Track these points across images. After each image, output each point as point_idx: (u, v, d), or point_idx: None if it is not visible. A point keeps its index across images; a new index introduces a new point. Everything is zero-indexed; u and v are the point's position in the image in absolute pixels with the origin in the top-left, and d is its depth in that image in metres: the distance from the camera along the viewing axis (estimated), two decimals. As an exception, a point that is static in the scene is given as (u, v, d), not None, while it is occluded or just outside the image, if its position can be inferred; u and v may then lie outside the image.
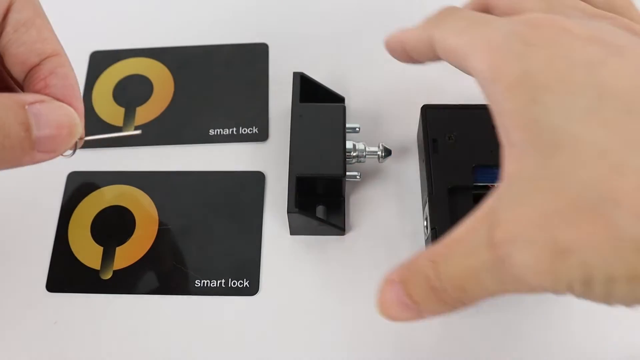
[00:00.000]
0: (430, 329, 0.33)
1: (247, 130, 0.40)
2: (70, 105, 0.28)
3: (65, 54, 0.29)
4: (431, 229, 0.31)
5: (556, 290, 0.22)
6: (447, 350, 0.33)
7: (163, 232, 0.37)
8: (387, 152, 0.37)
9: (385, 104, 0.41)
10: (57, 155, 0.27)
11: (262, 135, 0.40)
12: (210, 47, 0.44)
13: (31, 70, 0.28)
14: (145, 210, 0.38)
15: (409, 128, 0.39)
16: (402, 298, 0.26)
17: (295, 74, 0.38)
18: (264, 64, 0.43)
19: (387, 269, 0.35)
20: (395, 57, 0.32)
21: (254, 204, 0.38)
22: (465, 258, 0.24)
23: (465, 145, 0.34)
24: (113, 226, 0.37)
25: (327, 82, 0.39)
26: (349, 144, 0.36)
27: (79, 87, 0.29)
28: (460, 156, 0.33)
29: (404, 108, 0.40)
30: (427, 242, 0.34)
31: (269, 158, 0.39)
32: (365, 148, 0.37)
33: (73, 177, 0.39)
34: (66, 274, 0.36)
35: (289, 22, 0.45)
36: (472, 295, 0.24)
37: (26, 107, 0.26)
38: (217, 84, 0.42)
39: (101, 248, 0.36)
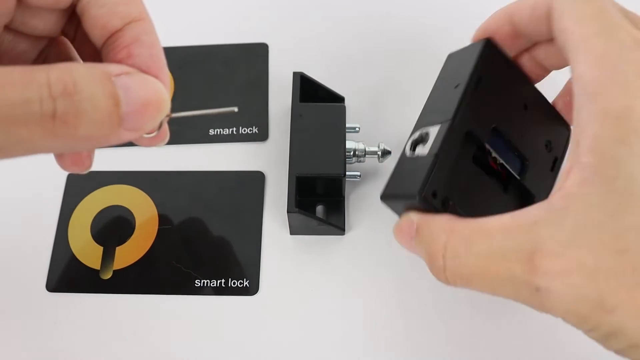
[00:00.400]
0: (431, 329, 0.33)
1: (247, 130, 0.40)
2: (156, 78, 0.24)
3: (151, 20, 0.26)
4: (434, 156, 0.28)
5: (574, 326, 0.22)
6: (448, 350, 0.33)
7: (163, 232, 0.37)
8: (387, 152, 0.37)
9: (385, 104, 0.41)
10: (142, 134, 0.24)
11: (262, 135, 0.40)
12: (210, 47, 0.44)
13: (112, 36, 0.25)
14: (145, 210, 0.38)
15: (408, 128, 0.39)
16: (411, 241, 0.27)
17: (295, 74, 0.38)
18: (264, 64, 0.43)
19: (386, 269, 0.35)
20: (496, 36, 0.30)
21: (254, 204, 0.38)
22: (489, 257, 0.23)
23: (501, 105, 0.31)
24: (113, 226, 0.37)
25: (327, 82, 0.39)
26: (349, 144, 0.36)
27: (164, 58, 0.26)
28: (489, 111, 0.30)
29: (404, 108, 0.40)
30: (403, 156, 0.31)
31: (269, 158, 0.39)
32: (365, 148, 0.37)
33: (73, 177, 0.39)
34: (66, 274, 0.36)
35: (289, 22, 0.45)
36: (471, 287, 0.24)
37: (112, 78, 0.22)
38: (217, 84, 0.42)
39: (101, 248, 0.36)
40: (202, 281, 0.35)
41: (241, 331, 0.34)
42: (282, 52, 0.43)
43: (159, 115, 0.24)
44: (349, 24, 0.44)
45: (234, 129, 0.40)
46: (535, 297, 0.22)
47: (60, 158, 0.28)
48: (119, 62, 0.24)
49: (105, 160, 0.39)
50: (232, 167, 0.39)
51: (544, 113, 0.33)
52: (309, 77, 0.38)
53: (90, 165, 0.29)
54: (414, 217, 0.28)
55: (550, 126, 0.34)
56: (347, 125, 0.37)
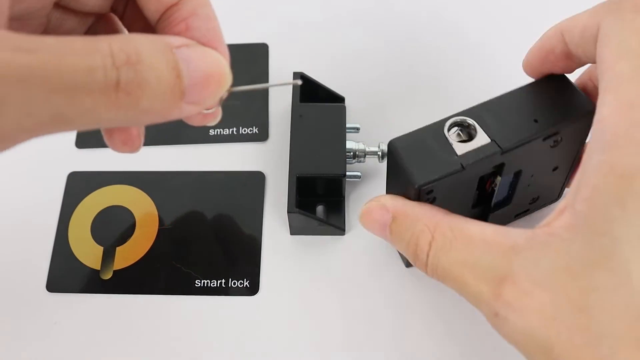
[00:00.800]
0: (431, 328, 0.33)
1: (247, 130, 0.40)
2: (215, 51, 0.24)
3: None
4: (461, 166, 0.27)
5: (521, 354, 0.23)
6: (449, 350, 0.33)
7: (163, 232, 0.37)
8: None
9: (385, 104, 0.41)
10: (202, 109, 0.23)
11: (262, 135, 0.40)
12: (210, 47, 0.44)
13: (168, 10, 0.24)
14: (145, 210, 0.38)
15: (409, 128, 0.39)
16: (384, 228, 0.27)
17: (295, 74, 0.38)
18: (264, 64, 0.43)
19: (386, 269, 0.35)
20: (550, 56, 0.28)
21: (254, 204, 0.38)
22: (463, 266, 0.24)
23: (543, 159, 0.30)
24: (113, 226, 0.37)
25: (327, 82, 0.39)
26: (349, 144, 0.36)
27: (221, 31, 0.25)
28: (532, 158, 0.29)
29: (404, 108, 0.40)
30: (440, 125, 0.28)
31: (269, 158, 0.39)
32: (365, 148, 0.37)
33: (73, 177, 0.39)
34: (66, 274, 0.36)
35: (289, 22, 0.45)
36: (445, 284, 0.25)
37: (174, 50, 0.22)
38: (217, 84, 0.42)
39: (101, 248, 0.36)
40: (202, 281, 0.35)
41: (241, 331, 0.34)
42: (282, 52, 0.43)
43: (220, 88, 0.23)
44: (349, 23, 0.44)
45: (234, 129, 0.40)
46: (492, 319, 0.23)
47: (110, 138, 0.27)
48: (177, 35, 0.24)
49: (105, 160, 0.40)
50: (232, 167, 0.39)
51: (562, 178, 0.33)
52: (309, 77, 0.38)
53: (140, 145, 0.28)
54: (388, 203, 0.27)
55: (552, 188, 0.34)
56: (347, 125, 0.37)
